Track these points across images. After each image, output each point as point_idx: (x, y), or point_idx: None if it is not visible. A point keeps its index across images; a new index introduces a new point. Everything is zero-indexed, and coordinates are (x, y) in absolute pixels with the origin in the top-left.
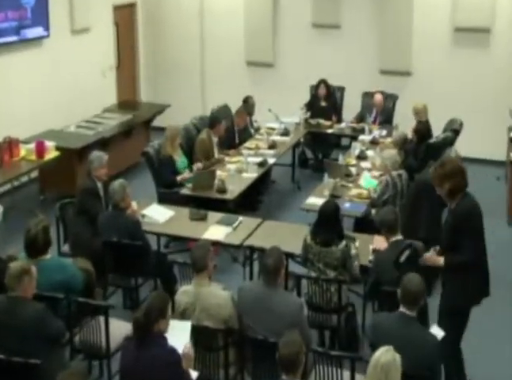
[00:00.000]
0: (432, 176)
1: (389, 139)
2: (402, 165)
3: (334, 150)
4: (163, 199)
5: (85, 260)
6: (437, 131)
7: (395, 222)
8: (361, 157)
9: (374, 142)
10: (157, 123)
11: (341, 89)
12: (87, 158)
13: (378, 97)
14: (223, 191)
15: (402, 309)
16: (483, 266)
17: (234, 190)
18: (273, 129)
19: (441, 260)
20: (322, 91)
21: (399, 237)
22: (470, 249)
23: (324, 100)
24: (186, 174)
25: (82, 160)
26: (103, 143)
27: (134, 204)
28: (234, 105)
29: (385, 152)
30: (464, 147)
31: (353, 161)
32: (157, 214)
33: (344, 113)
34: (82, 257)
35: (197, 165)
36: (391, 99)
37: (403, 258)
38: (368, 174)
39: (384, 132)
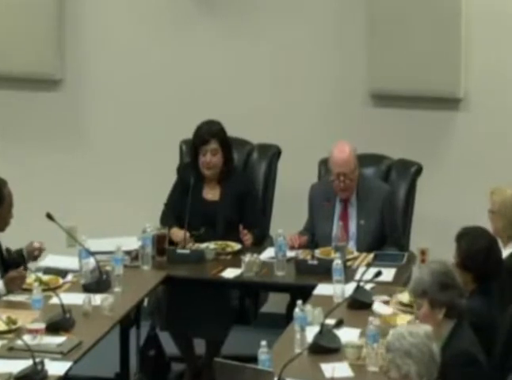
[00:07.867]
0: None
1: (401, 295)
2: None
3: (243, 328)
4: None
5: None
6: None
7: None
8: (326, 348)
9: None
10: None
11: (271, 154)
12: None
13: (339, 156)
14: None
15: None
16: None
17: None
18: (62, 274)
19: None
20: (213, 159)
21: None
22: None
23: (217, 184)
24: None
25: None
26: None
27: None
28: None
29: (398, 333)
30: None
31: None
32: None
33: (276, 218)
34: None
35: None
36: (402, 175)
37: None
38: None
39: (391, 273)
